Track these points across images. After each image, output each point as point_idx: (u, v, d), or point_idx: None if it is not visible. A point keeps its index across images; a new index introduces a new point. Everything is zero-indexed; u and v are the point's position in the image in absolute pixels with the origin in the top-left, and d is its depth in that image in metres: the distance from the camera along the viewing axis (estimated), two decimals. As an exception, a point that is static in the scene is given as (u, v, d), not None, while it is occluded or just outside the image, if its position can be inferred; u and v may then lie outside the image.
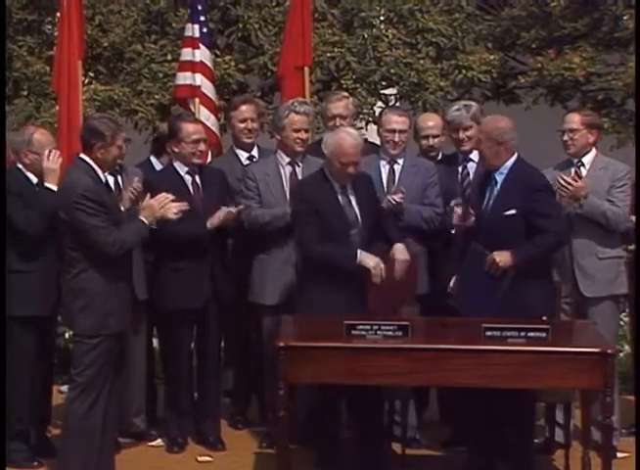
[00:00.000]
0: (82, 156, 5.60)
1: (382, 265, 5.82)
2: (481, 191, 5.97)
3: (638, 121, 6.90)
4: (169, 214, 5.59)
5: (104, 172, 5.63)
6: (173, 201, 5.63)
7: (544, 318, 5.83)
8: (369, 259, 5.83)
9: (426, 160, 6.61)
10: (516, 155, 5.88)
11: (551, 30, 8.66)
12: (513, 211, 5.76)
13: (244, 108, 6.79)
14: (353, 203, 5.96)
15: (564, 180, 6.10)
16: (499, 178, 5.87)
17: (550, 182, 6.30)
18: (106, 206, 5.49)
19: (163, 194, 5.61)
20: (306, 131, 6.41)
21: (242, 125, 6.78)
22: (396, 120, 6.43)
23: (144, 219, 5.56)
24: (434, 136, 6.67)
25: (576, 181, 6.12)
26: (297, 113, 6.40)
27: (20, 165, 6.03)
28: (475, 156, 6.38)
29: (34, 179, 6.01)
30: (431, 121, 6.74)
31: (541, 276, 5.85)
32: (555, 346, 5.31)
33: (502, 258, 5.71)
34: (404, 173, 6.45)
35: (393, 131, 6.41)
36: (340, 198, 5.95)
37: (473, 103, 6.69)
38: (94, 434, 5.57)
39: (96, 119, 5.74)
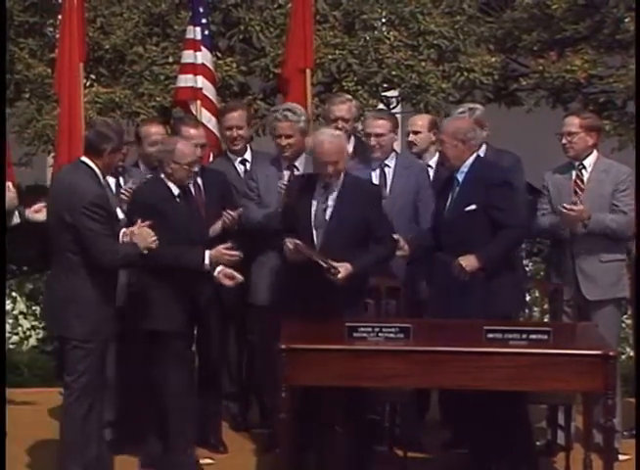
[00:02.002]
0: (84, 159, 5.58)
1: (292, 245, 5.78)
2: (444, 193, 6.05)
3: (638, 124, 6.89)
4: (153, 245, 5.57)
5: (104, 177, 5.63)
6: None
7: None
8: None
9: (419, 161, 6.66)
10: (476, 154, 5.97)
11: (552, 33, 8.65)
12: (473, 207, 5.84)
13: (229, 116, 6.82)
14: (330, 204, 5.90)
15: (565, 208, 6.11)
16: (460, 177, 5.97)
17: (546, 184, 6.37)
18: (110, 213, 5.50)
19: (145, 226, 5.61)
20: (288, 137, 6.41)
21: (227, 133, 6.83)
22: (375, 124, 6.48)
23: (137, 244, 5.54)
24: (415, 132, 6.71)
25: (576, 205, 6.13)
26: (277, 120, 6.45)
27: (162, 176, 5.94)
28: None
29: (175, 190, 5.93)
30: (418, 120, 6.83)
31: (506, 274, 5.86)
32: (557, 348, 5.31)
33: (468, 262, 5.77)
34: (396, 176, 6.48)
35: (369, 135, 6.46)
36: (315, 197, 5.91)
37: (478, 106, 6.71)
38: (92, 438, 5.58)
39: (103, 125, 5.70)
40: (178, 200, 5.94)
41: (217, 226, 6.25)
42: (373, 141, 6.45)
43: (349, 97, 7.05)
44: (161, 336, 5.84)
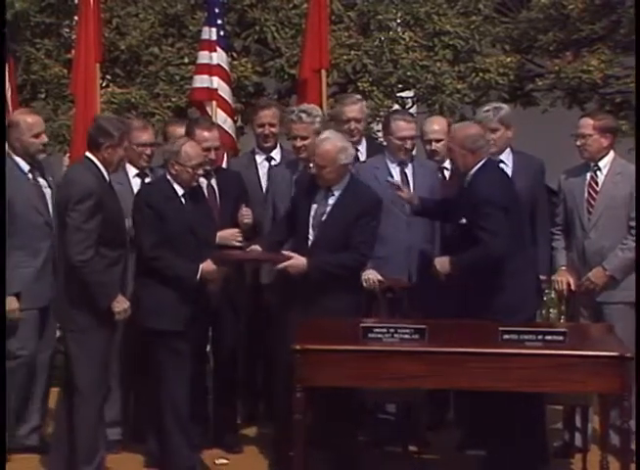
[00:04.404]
0: (88, 154, 5.62)
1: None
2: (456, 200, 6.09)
3: (638, 124, 6.85)
4: None
5: (109, 173, 5.64)
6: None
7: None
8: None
9: (429, 161, 6.67)
10: (482, 161, 5.93)
11: (569, 33, 8.63)
12: (464, 221, 5.89)
13: (261, 113, 6.85)
14: (329, 206, 5.92)
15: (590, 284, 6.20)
16: (465, 185, 5.97)
17: (560, 186, 6.39)
18: (103, 207, 5.47)
19: None
20: (303, 138, 6.41)
21: (259, 130, 6.85)
22: (407, 127, 6.47)
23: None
24: (437, 140, 6.66)
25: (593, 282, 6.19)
26: (292, 121, 6.46)
27: (168, 176, 5.94)
28: (504, 157, 6.40)
29: (180, 191, 5.92)
30: (435, 125, 6.73)
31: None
32: (573, 349, 5.30)
33: (440, 264, 5.91)
34: (416, 175, 6.49)
35: (404, 139, 6.43)
36: (316, 197, 5.95)
37: (504, 106, 6.64)
38: (100, 438, 5.61)
39: (105, 119, 5.76)
40: (183, 200, 5.93)
41: (226, 233, 6.21)
42: (408, 144, 6.45)
43: (359, 97, 7.05)
44: (159, 334, 5.82)
